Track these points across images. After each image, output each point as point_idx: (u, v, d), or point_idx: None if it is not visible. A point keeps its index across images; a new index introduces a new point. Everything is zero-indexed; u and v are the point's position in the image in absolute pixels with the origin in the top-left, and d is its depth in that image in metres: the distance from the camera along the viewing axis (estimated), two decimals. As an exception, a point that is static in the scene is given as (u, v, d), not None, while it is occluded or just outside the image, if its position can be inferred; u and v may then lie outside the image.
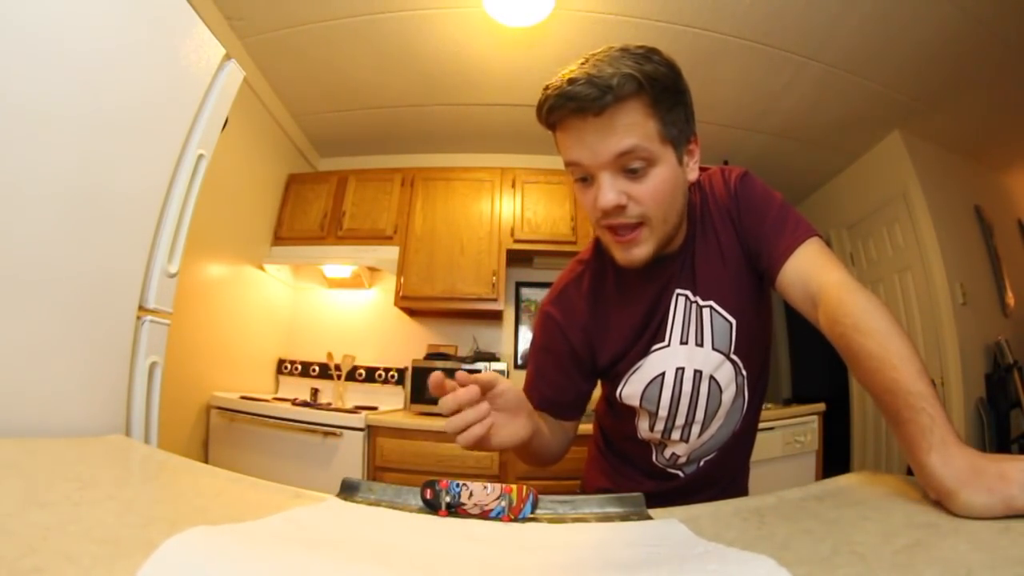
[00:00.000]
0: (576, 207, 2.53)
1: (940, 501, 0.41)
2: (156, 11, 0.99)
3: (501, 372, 2.25)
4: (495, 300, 2.42)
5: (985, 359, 2.46)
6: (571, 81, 0.56)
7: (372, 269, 2.55)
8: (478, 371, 0.56)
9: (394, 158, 2.97)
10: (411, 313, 2.73)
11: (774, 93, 2.36)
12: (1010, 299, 2.65)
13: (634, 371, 0.75)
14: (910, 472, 0.50)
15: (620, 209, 0.61)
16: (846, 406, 2.90)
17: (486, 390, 0.53)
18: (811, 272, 0.63)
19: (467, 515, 0.44)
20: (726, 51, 2.09)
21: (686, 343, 0.73)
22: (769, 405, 2.40)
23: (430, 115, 2.67)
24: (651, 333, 0.74)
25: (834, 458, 2.58)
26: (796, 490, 0.51)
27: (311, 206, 2.65)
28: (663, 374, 0.73)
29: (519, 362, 2.71)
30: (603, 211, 0.61)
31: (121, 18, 0.90)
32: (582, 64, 0.58)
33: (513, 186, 2.59)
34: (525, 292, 2.84)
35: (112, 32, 0.89)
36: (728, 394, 0.74)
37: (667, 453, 0.79)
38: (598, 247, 0.78)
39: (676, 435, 0.75)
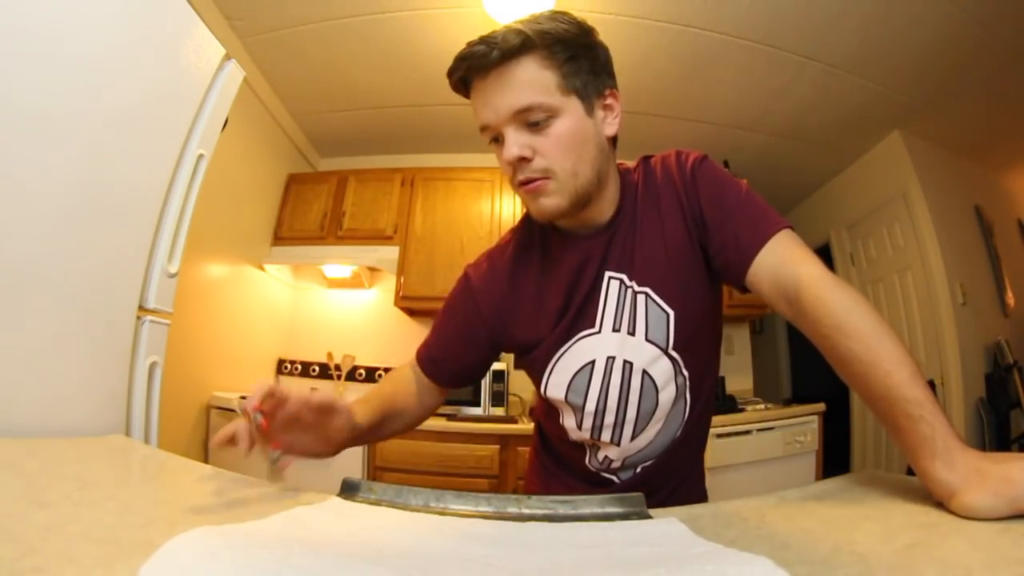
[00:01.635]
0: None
1: (945, 505, 0.40)
2: (156, 11, 0.99)
3: (501, 372, 2.25)
4: (495, 300, 2.41)
5: (985, 359, 2.46)
6: (468, 44, 0.59)
7: (372, 269, 2.55)
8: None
9: (394, 158, 2.97)
10: (411, 313, 2.73)
11: (774, 93, 2.36)
12: (1010, 299, 2.65)
13: (559, 358, 0.70)
14: (910, 472, 0.50)
15: (525, 162, 0.60)
16: (846, 406, 2.90)
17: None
18: (784, 266, 0.59)
19: None
20: (726, 51, 2.09)
21: (618, 331, 0.68)
22: (769, 405, 2.40)
23: (430, 115, 2.67)
24: (574, 314, 0.69)
25: (834, 458, 2.58)
26: (796, 490, 0.51)
27: (311, 206, 2.65)
28: (592, 363, 0.68)
29: (519, 362, 2.70)
30: (509, 164, 0.61)
31: (121, 18, 0.90)
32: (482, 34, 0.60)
33: (513, 186, 2.59)
34: (525, 292, 2.84)
35: (112, 32, 0.89)
36: (666, 395, 0.68)
37: (600, 456, 0.74)
38: (527, 218, 0.75)
39: (606, 435, 0.70)
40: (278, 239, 2.62)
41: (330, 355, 2.59)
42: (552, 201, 0.62)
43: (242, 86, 1.26)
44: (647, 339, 0.67)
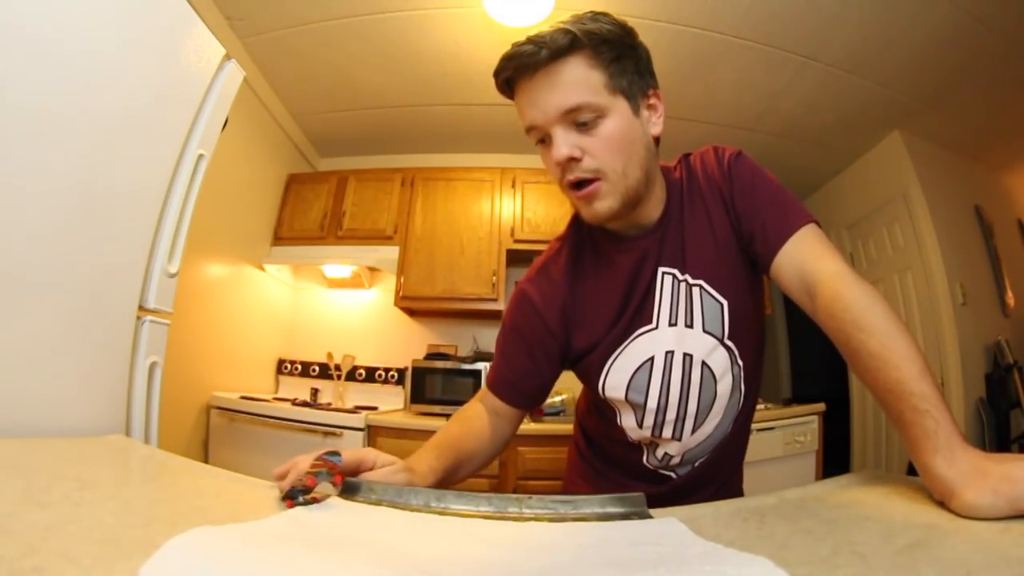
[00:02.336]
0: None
1: (945, 502, 0.41)
2: (156, 11, 0.99)
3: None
4: (495, 300, 2.42)
5: (985, 359, 2.46)
6: (514, 45, 0.59)
7: (372, 269, 2.55)
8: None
9: (394, 158, 2.97)
10: (411, 313, 2.73)
11: (774, 93, 2.36)
12: (1010, 299, 2.65)
13: (616, 357, 0.70)
14: (910, 472, 0.50)
15: (575, 162, 0.60)
16: (846, 406, 2.90)
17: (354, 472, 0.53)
18: (807, 260, 0.60)
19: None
20: (726, 51, 2.09)
21: (675, 324, 0.68)
22: (769, 405, 2.40)
23: (430, 115, 2.67)
24: (632, 313, 0.69)
25: (834, 458, 2.58)
26: (796, 490, 0.51)
27: (311, 206, 2.65)
28: (651, 359, 0.68)
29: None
30: (559, 165, 0.61)
31: (121, 18, 0.90)
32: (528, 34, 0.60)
33: (513, 186, 2.59)
34: (525, 292, 2.84)
35: (112, 32, 0.89)
36: (724, 385, 0.69)
37: (659, 453, 0.74)
38: (576, 223, 0.76)
39: (668, 432, 0.70)
40: (278, 239, 2.62)
41: (330, 355, 2.59)
42: (605, 204, 0.62)
43: (242, 86, 1.25)
44: (705, 330, 0.68)
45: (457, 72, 2.31)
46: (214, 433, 2.05)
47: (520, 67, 0.59)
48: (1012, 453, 0.43)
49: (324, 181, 2.71)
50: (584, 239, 0.75)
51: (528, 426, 2.04)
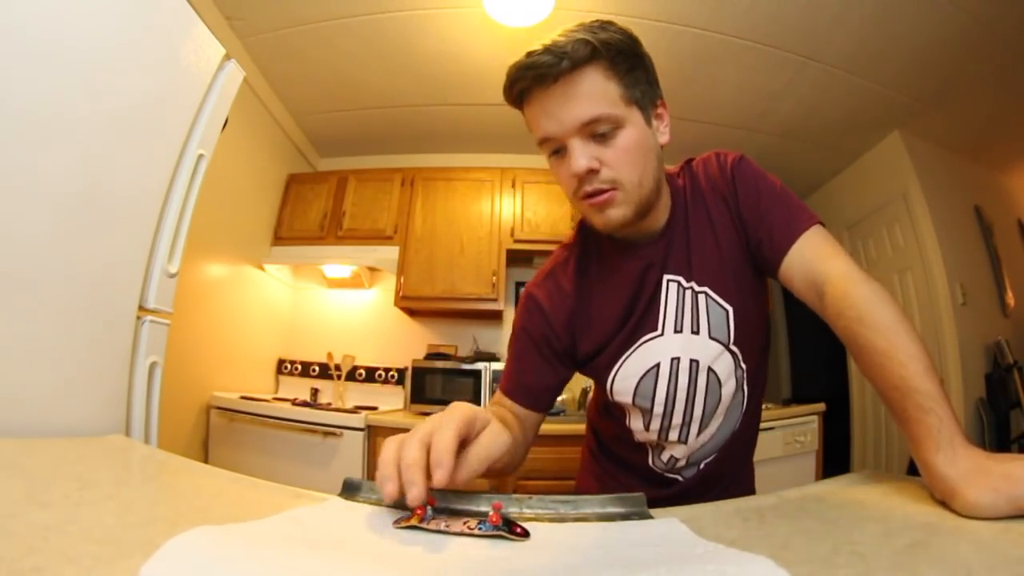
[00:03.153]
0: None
1: (945, 501, 0.41)
2: (156, 11, 0.99)
3: (500, 372, 2.25)
4: (495, 300, 2.42)
5: (985, 359, 2.46)
6: (530, 54, 0.58)
7: (372, 269, 2.55)
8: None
9: (394, 158, 2.97)
10: (411, 313, 2.73)
11: (774, 93, 2.36)
12: (1010, 299, 2.65)
13: (623, 362, 0.71)
14: (910, 472, 0.50)
15: (593, 174, 0.60)
16: (846, 406, 2.90)
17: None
18: (815, 261, 0.61)
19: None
20: (726, 51, 2.09)
21: (681, 331, 0.69)
22: (769, 405, 2.40)
23: (430, 115, 2.67)
24: (636, 320, 0.70)
25: (834, 458, 2.58)
26: (796, 490, 0.51)
27: (311, 206, 2.65)
28: (657, 365, 0.69)
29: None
30: (577, 177, 0.60)
31: (121, 18, 0.90)
32: (534, 47, 0.59)
33: (513, 186, 2.59)
34: (525, 292, 2.84)
35: (112, 32, 0.89)
36: (728, 388, 0.70)
37: (664, 456, 0.75)
38: (582, 230, 0.77)
39: (674, 435, 0.72)
40: (278, 239, 2.62)
41: (330, 355, 2.59)
42: (619, 212, 0.62)
43: (242, 86, 1.25)
44: (711, 336, 0.69)
45: (457, 72, 2.31)
46: (214, 433, 2.05)
47: (539, 77, 0.58)
48: (1013, 453, 0.43)
49: (324, 181, 2.72)
50: (591, 247, 0.75)
51: (528, 426, 2.04)
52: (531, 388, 0.74)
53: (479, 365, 2.28)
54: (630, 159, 0.60)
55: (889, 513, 0.42)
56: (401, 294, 2.45)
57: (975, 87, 2.23)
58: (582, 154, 0.59)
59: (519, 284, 2.84)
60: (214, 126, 1.16)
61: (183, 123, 1.08)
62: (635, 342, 0.70)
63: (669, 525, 0.42)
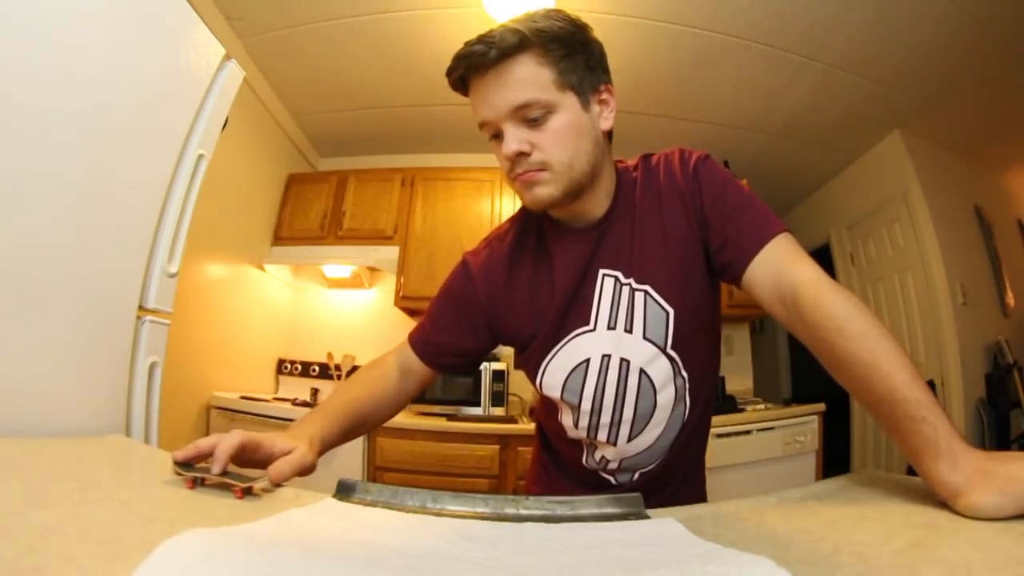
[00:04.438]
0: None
1: (950, 506, 0.40)
2: (156, 11, 0.99)
3: (500, 372, 2.25)
4: (495, 300, 2.41)
5: (985, 359, 2.46)
6: (466, 44, 0.60)
7: (372, 269, 2.55)
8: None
9: (394, 158, 2.97)
10: (411, 313, 2.73)
11: (774, 93, 2.36)
12: (1010, 299, 2.65)
13: (553, 356, 0.70)
14: (910, 472, 0.50)
15: (524, 156, 0.62)
16: (846, 406, 2.90)
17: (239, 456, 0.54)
18: (783, 267, 0.59)
19: None
20: (726, 51, 2.09)
21: (614, 328, 0.67)
22: (769, 405, 2.40)
23: (430, 115, 2.67)
24: (567, 310, 0.69)
25: (834, 458, 2.58)
26: (796, 490, 0.51)
27: (311, 206, 2.65)
28: (587, 361, 0.68)
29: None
30: (508, 159, 0.62)
31: (121, 18, 0.90)
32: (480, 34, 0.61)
33: (513, 186, 2.59)
34: (525, 292, 2.84)
35: (112, 32, 0.89)
36: (665, 396, 0.68)
37: (597, 456, 0.73)
38: (525, 208, 0.76)
39: (602, 435, 0.70)
40: (278, 239, 2.62)
41: (330, 355, 2.59)
42: (546, 191, 0.63)
43: (242, 86, 1.25)
44: (645, 337, 0.67)
45: (457, 72, 2.31)
46: (214, 433, 2.05)
47: (471, 66, 0.61)
48: (1014, 452, 0.43)
49: (324, 181, 2.71)
50: (531, 225, 0.75)
51: (528, 426, 2.04)
52: (436, 347, 0.77)
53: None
54: (561, 142, 0.62)
55: (889, 513, 0.42)
56: (401, 294, 2.45)
57: (975, 87, 2.23)
58: (513, 137, 0.61)
59: (519, 284, 2.83)
60: (214, 126, 1.16)
61: (183, 123, 1.08)
62: (566, 335, 0.69)
63: (666, 525, 0.42)
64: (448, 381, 2.27)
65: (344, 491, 0.49)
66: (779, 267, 0.59)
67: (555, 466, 0.82)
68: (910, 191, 2.56)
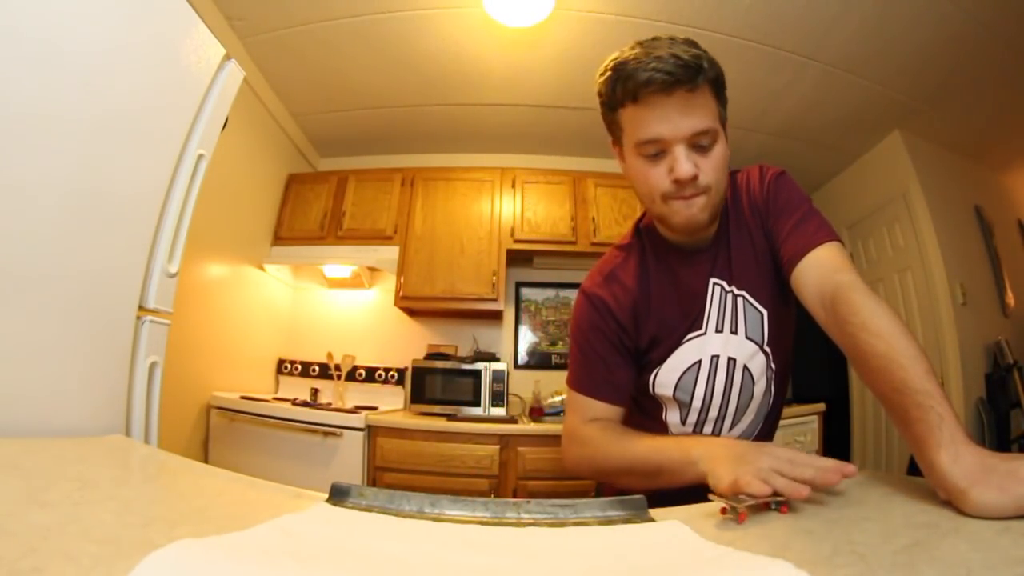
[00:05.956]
0: (576, 206, 2.54)
1: (950, 500, 0.40)
2: (156, 11, 0.99)
3: (500, 372, 2.26)
4: (495, 300, 2.42)
5: (985, 359, 2.46)
6: (659, 59, 0.61)
7: (372, 269, 2.55)
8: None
9: (394, 158, 2.97)
10: (411, 313, 2.73)
11: (774, 93, 2.35)
12: (1010, 299, 2.65)
13: (668, 359, 0.76)
14: (910, 472, 0.50)
15: (693, 180, 0.66)
16: (846, 406, 2.90)
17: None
18: (826, 271, 0.65)
19: None
20: (726, 51, 2.08)
21: (721, 331, 0.75)
22: (769, 405, 2.40)
23: (430, 115, 2.67)
24: (689, 319, 0.76)
25: (834, 458, 2.57)
26: (796, 490, 0.51)
27: (311, 206, 2.65)
28: (699, 362, 0.75)
29: (519, 362, 2.71)
30: (679, 181, 0.66)
31: (121, 18, 0.90)
32: (646, 49, 0.63)
33: (513, 186, 2.59)
34: (525, 292, 2.84)
35: (112, 32, 0.88)
36: (760, 387, 0.76)
37: None
38: (638, 234, 0.82)
39: (708, 428, 0.77)
40: (278, 239, 2.62)
41: (330, 355, 2.59)
42: (703, 214, 0.69)
43: (242, 86, 1.25)
44: (747, 336, 0.75)
45: (457, 72, 2.31)
46: (214, 433, 2.05)
47: (667, 82, 0.61)
48: (1014, 452, 0.43)
49: (324, 181, 2.71)
50: (647, 250, 0.81)
51: (528, 426, 2.04)
52: (618, 385, 0.79)
53: (479, 365, 2.28)
54: (720, 170, 0.68)
55: (889, 513, 0.42)
56: (401, 294, 2.45)
57: (975, 87, 2.23)
58: (688, 160, 0.65)
59: (519, 284, 2.84)
60: (214, 126, 1.16)
61: (183, 123, 1.08)
62: (681, 340, 0.76)
63: (673, 528, 0.41)
64: (448, 381, 2.27)
65: (338, 495, 0.47)
66: (824, 271, 0.65)
67: None
68: (910, 191, 2.56)
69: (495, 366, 2.28)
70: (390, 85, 2.42)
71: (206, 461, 2.00)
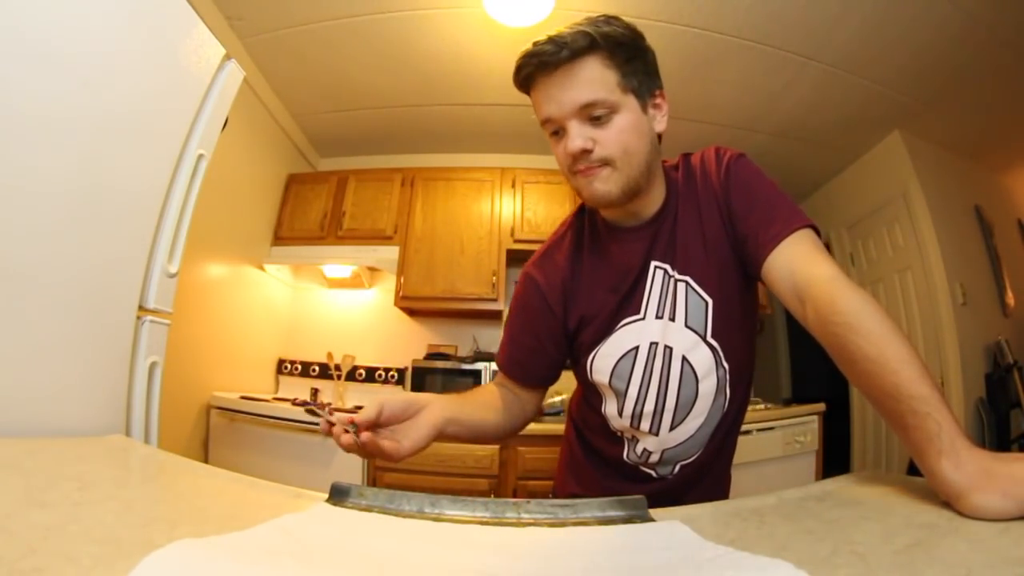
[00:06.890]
0: (576, 206, 2.53)
1: (952, 505, 0.40)
2: (156, 11, 0.99)
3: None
4: (495, 300, 2.41)
5: (985, 359, 2.46)
6: (536, 43, 0.63)
7: (372, 269, 2.55)
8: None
9: (394, 158, 2.97)
10: (411, 313, 2.73)
11: (774, 93, 2.35)
12: (1010, 299, 2.65)
13: (604, 343, 0.73)
14: (910, 472, 0.50)
15: (586, 153, 0.64)
16: (846, 406, 2.90)
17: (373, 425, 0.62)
18: (799, 264, 0.61)
19: None
20: (726, 51, 2.09)
21: (660, 317, 0.71)
22: (769, 405, 2.40)
23: (430, 115, 2.67)
24: (621, 302, 0.73)
25: (834, 458, 2.58)
26: (796, 490, 0.51)
27: (311, 206, 2.65)
28: (636, 348, 0.72)
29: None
30: (571, 155, 0.65)
31: (121, 18, 0.90)
32: (541, 39, 0.64)
33: (513, 186, 2.59)
34: (525, 292, 2.84)
35: (112, 32, 0.89)
36: (707, 385, 0.71)
37: (639, 449, 0.75)
38: (579, 213, 0.81)
39: (646, 424, 0.72)
40: (278, 239, 2.62)
41: (330, 355, 2.59)
42: (605, 186, 0.66)
43: (242, 86, 1.25)
44: (687, 325, 0.70)
45: (457, 72, 2.31)
46: (214, 433, 2.05)
47: (541, 64, 0.63)
48: (1018, 453, 0.42)
49: (324, 181, 2.71)
50: (585, 227, 0.79)
51: (528, 426, 2.04)
52: (522, 364, 0.80)
53: (479, 365, 2.28)
54: (622, 141, 0.64)
55: (889, 513, 0.42)
56: (401, 294, 2.45)
57: (975, 87, 2.23)
58: (578, 135, 0.64)
59: (519, 284, 2.83)
60: (214, 126, 1.16)
61: (183, 123, 1.08)
62: (617, 323, 0.73)
63: (673, 528, 0.41)
64: (448, 380, 2.27)
65: (338, 495, 0.47)
66: (795, 263, 0.62)
67: (594, 465, 0.84)
68: (910, 191, 2.56)
69: (495, 366, 2.28)
70: (390, 85, 2.42)
71: (206, 461, 2.00)
